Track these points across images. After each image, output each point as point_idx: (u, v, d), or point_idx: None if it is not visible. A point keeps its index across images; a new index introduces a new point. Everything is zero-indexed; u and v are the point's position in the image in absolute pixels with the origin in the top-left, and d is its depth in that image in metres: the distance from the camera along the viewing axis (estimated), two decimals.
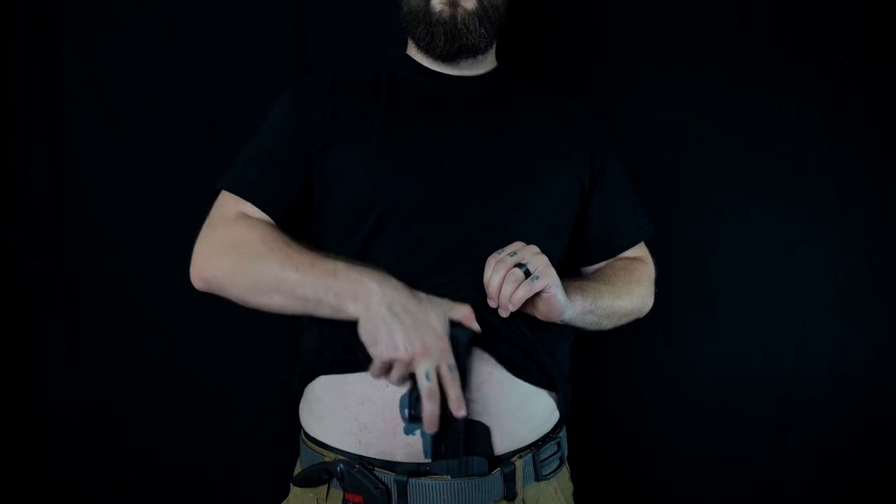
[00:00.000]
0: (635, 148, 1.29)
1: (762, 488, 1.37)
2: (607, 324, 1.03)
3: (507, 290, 0.86)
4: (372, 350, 0.84)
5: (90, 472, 1.37)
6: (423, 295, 0.88)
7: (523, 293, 0.86)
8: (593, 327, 1.01)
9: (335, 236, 0.98)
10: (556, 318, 0.92)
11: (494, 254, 0.89)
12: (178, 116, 1.32)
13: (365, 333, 0.84)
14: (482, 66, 1.07)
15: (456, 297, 0.90)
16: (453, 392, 0.83)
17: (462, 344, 0.87)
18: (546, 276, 0.88)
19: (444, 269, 0.93)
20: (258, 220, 0.96)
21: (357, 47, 1.30)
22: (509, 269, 0.86)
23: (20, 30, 1.29)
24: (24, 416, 1.35)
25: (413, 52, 1.08)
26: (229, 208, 0.98)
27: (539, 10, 1.33)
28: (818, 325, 1.34)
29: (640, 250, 1.14)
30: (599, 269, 1.11)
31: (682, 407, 1.37)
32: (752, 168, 1.32)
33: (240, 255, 0.92)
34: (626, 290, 1.05)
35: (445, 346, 0.84)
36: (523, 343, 0.94)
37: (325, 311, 0.88)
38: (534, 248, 0.89)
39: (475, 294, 0.90)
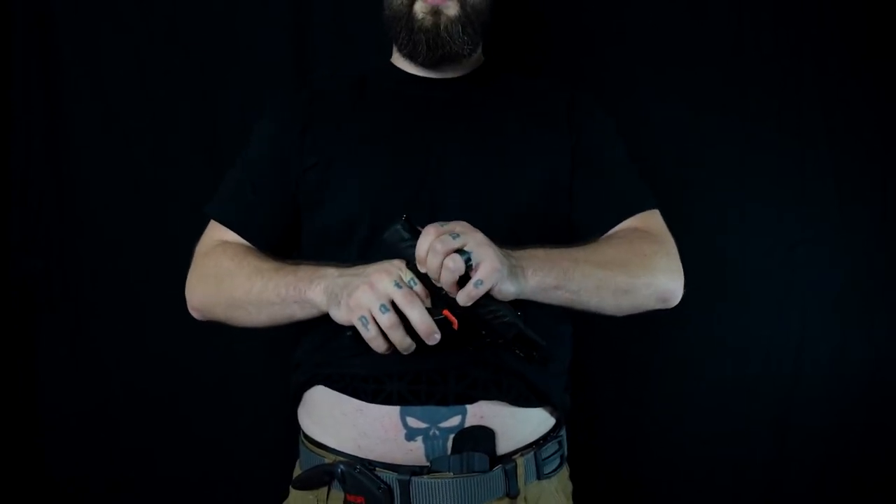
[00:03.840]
0: (634, 147, 1.28)
1: (762, 488, 1.37)
2: (597, 302, 0.90)
3: (445, 278, 0.77)
4: (335, 315, 0.83)
5: (90, 472, 1.37)
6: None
7: (465, 299, 0.77)
8: (577, 306, 0.90)
9: (330, 246, 0.98)
10: (503, 299, 0.81)
11: (433, 225, 0.79)
12: (178, 116, 1.32)
13: (330, 308, 0.84)
14: (466, 66, 1.05)
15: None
16: (415, 314, 0.77)
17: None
18: (490, 276, 0.77)
19: None
20: (235, 243, 1.00)
21: (357, 47, 1.30)
22: (448, 253, 0.76)
23: (20, 30, 1.30)
24: (24, 416, 1.35)
25: (396, 59, 1.06)
26: (212, 237, 1.02)
27: (531, 10, 1.33)
28: (818, 325, 1.33)
29: (645, 222, 1.00)
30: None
31: (681, 407, 1.37)
32: (751, 167, 1.32)
33: (216, 277, 0.97)
34: (619, 260, 0.91)
35: (393, 268, 0.80)
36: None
37: (293, 310, 0.89)
38: (479, 237, 0.79)
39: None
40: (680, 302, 1.33)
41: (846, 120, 1.31)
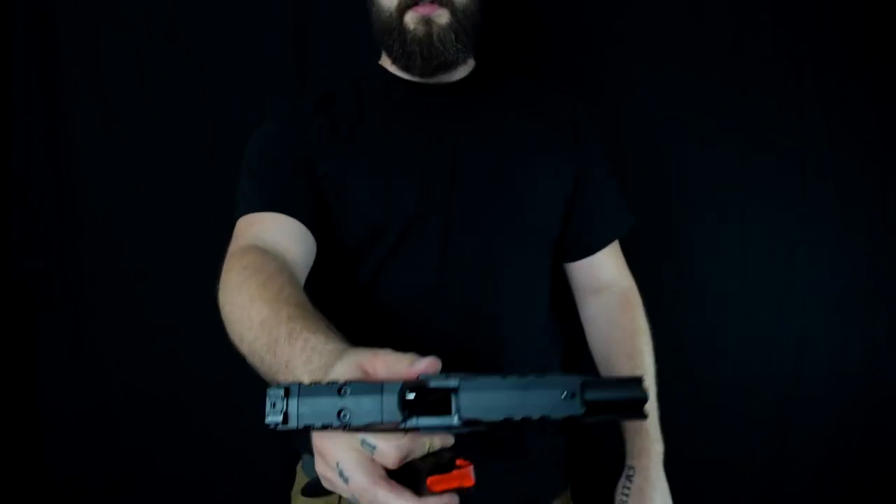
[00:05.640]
0: (633, 147, 1.29)
1: (762, 488, 1.36)
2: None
3: None
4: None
5: (90, 472, 1.37)
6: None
7: None
8: None
9: (348, 259, 0.98)
10: None
11: None
12: (178, 116, 1.32)
13: None
14: (461, 70, 1.04)
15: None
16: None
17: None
18: None
19: (457, 284, 0.95)
20: (250, 249, 0.86)
21: (357, 47, 1.29)
22: None
23: (20, 30, 1.30)
24: (24, 416, 1.35)
25: (387, 63, 1.05)
26: (240, 235, 0.91)
27: (527, 11, 1.33)
28: (818, 325, 1.33)
29: (615, 256, 1.11)
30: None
31: (681, 407, 1.36)
32: (751, 167, 1.32)
33: (223, 294, 0.83)
34: (641, 359, 1.07)
35: (331, 457, 0.62)
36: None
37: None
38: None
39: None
40: (680, 302, 1.34)
41: (846, 120, 1.30)
